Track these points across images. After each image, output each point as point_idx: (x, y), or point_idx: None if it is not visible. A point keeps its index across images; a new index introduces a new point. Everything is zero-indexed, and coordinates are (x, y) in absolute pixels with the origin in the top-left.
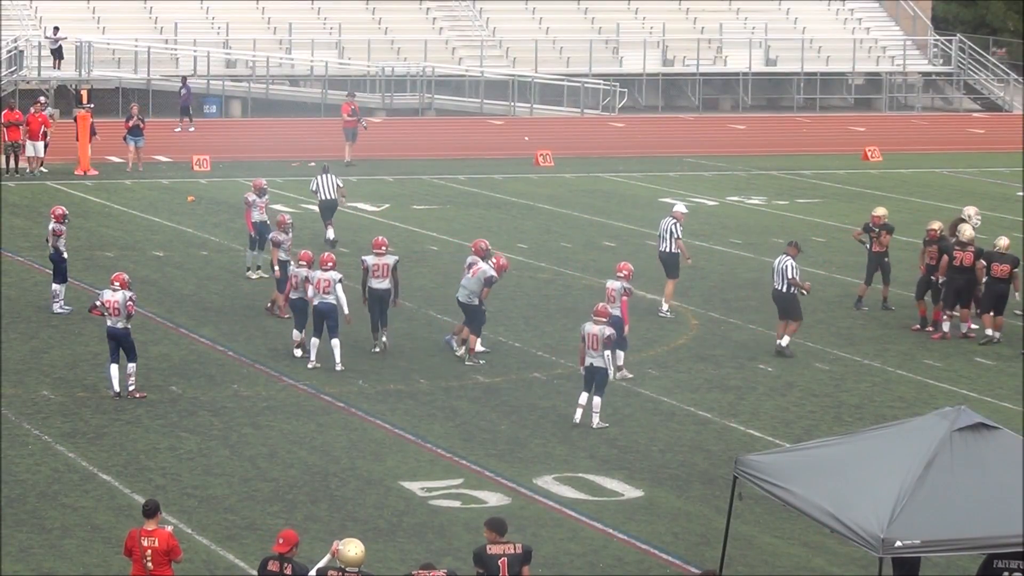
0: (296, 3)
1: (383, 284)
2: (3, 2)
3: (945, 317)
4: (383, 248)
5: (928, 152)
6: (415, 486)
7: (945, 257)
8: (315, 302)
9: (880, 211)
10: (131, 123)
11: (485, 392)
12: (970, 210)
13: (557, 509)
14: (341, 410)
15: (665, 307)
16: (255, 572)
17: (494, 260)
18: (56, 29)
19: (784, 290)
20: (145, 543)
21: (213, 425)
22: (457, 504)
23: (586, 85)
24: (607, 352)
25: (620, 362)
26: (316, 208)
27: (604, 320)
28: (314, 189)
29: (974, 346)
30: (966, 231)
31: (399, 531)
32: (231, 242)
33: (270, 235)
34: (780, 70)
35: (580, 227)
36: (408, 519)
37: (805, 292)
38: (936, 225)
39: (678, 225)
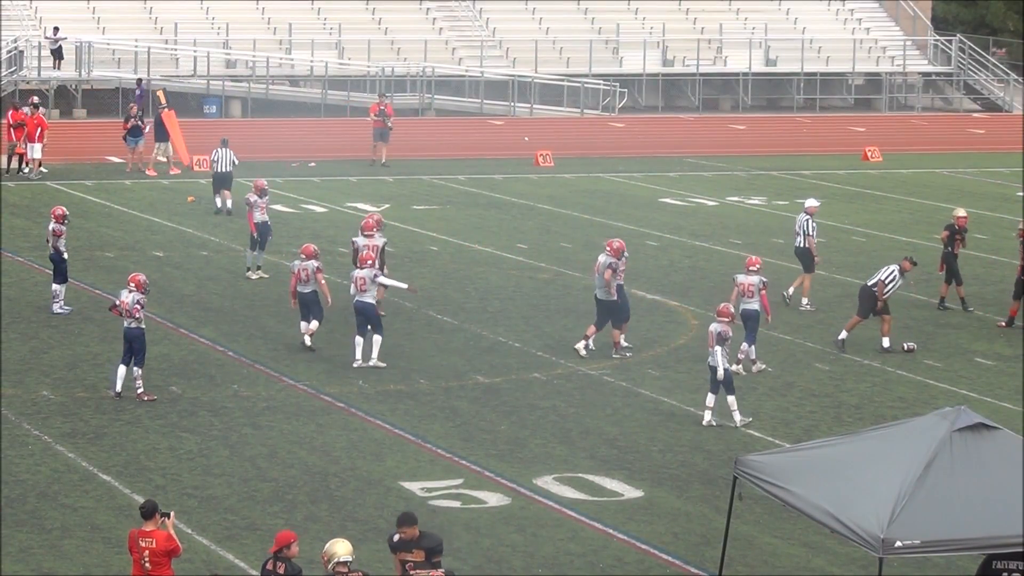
0: (296, 3)
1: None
2: (3, 2)
3: None
4: (373, 230)
5: (928, 152)
6: (415, 486)
7: None
8: (353, 300)
9: (964, 212)
10: (130, 124)
11: (485, 392)
12: None
13: (557, 509)
14: (341, 410)
15: (805, 301)
16: (255, 572)
17: (609, 248)
18: (56, 29)
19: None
20: (143, 544)
21: (213, 425)
22: (457, 504)
23: (586, 85)
24: (718, 349)
25: (753, 355)
26: (318, 208)
27: (726, 319)
28: (214, 160)
29: (974, 346)
30: None
31: None
32: (231, 242)
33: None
34: (780, 70)
35: (580, 227)
36: None
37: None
38: None
39: (810, 221)
